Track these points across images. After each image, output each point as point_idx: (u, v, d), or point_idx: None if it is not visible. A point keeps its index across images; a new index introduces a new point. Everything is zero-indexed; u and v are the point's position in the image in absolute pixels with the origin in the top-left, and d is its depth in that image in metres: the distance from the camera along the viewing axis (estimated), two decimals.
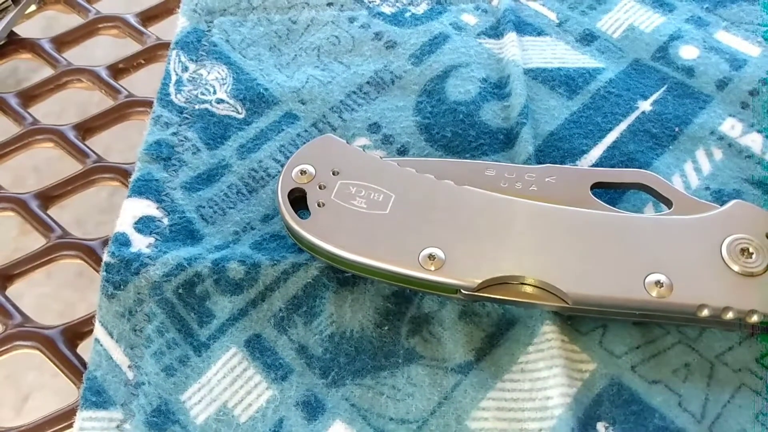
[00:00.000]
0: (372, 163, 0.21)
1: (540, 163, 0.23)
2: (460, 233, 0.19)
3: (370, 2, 0.28)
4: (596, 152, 0.23)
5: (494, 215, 0.20)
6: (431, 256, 0.19)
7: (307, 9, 0.28)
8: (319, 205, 0.20)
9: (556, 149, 0.23)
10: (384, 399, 0.19)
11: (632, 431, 0.18)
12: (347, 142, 0.22)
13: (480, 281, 0.19)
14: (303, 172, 0.21)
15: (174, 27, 0.30)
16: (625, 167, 0.22)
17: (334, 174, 0.21)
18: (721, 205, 0.20)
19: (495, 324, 0.20)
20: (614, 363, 0.19)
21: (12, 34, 0.30)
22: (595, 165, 0.23)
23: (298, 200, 0.21)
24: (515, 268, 0.19)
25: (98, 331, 0.21)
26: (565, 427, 0.18)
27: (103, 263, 0.22)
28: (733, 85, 0.25)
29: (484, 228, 0.19)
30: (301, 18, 0.28)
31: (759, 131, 0.23)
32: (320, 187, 0.21)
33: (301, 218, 0.20)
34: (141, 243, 0.22)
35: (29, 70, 0.33)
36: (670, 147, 0.23)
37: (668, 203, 0.20)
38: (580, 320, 0.20)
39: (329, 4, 0.28)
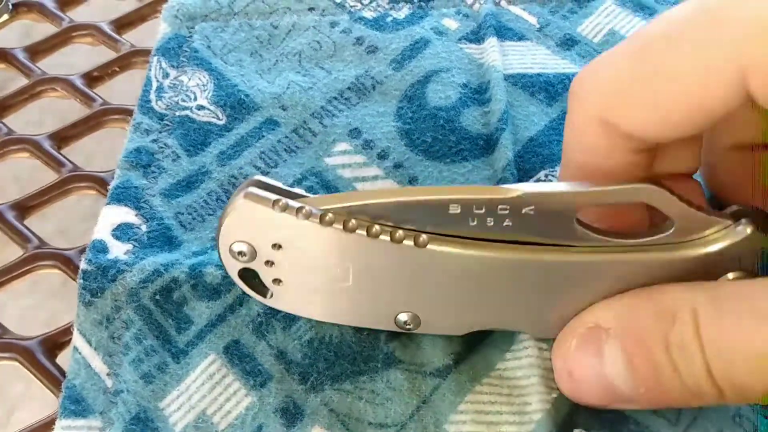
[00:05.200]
0: (312, 231, 0.18)
1: (519, 169, 0.24)
2: (431, 296, 0.19)
3: (351, 7, 0.29)
4: None
5: (463, 274, 0.18)
6: (406, 323, 0.20)
7: (288, 14, 0.29)
8: (276, 282, 0.20)
9: (536, 155, 0.24)
10: (363, 404, 0.20)
11: None
12: (277, 189, 0.19)
13: (460, 335, 0.20)
14: (241, 254, 0.19)
15: (148, 34, 0.31)
16: None
17: (276, 248, 0.19)
18: (730, 217, 0.17)
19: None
20: None
21: None
22: None
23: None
24: (495, 322, 0.20)
25: (76, 339, 0.21)
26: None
27: (80, 271, 0.22)
28: None
29: (455, 288, 0.19)
30: (282, 23, 0.29)
31: None
32: (268, 264, 0.19)
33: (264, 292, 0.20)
34: (118, 250, 0.23)
35: (5, 79, 0.33)
36: None
37: (669, 222, 0.18)
38: None
39: (311, 9, 0.29)
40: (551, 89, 0.26)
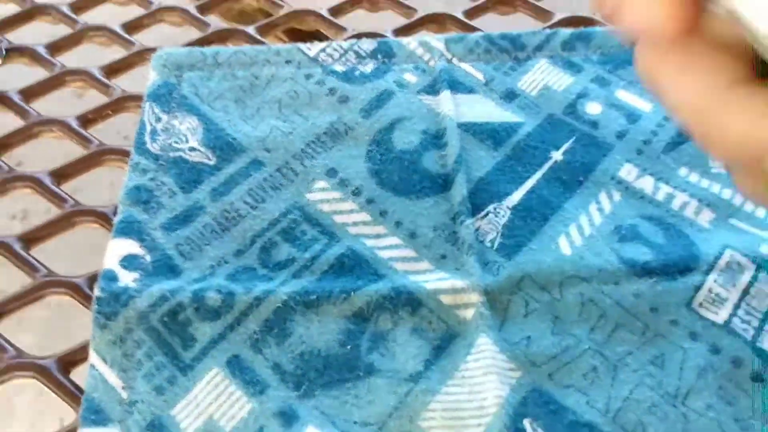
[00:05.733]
0: None
1: (473, 203, 0.28)
2: None
3: (323, 61, 0.33)
4: (517, 196, 0.29)
5: None
6: None
7: (267, 66, 0.33)
8: None
9: (486, 192, 0.29)
10: (349, 406, 0.24)
11: (551, 426, 0.23)
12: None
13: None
14: None
15: (136, 80, 0.34)
16: (542, 209, 0.28)
17: None
18: None
19: (440, 338, 0.25)
20: (536, 371, 0.25)
21: None
22: (516, 206, 0.28)
23: None
24: None
25: (93, 357, 0.24)
26: (498, 422, 0.23)
27: (94, 297, 0.25)
28: (630, 136, 0.31)
29: None
30: (262, 74, 0.33)
31: (650, 174, 0.30)
32: None
33: None
34: (127, 278, 0.26)
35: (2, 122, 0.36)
36: (578, 191, 0.29)
37: None
38: (509, 331, 0.25)
39: (287, 62, 0.33)
40: (497, 136, 0.31)
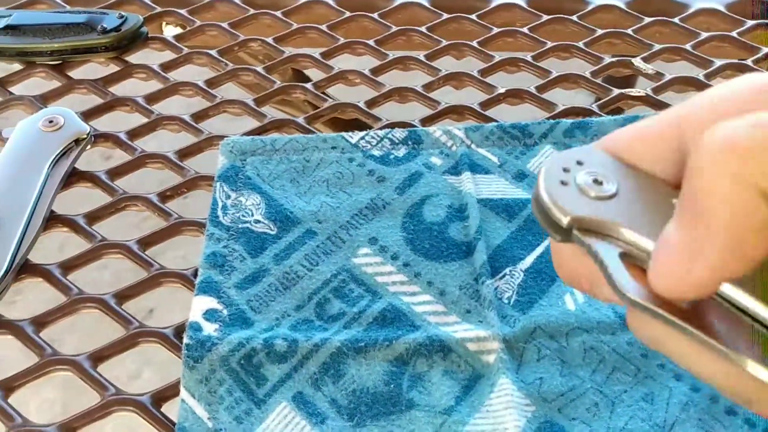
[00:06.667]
0: None
1: (492, 266, 0.34)
2: None
3: (363, 147, 0.40)
4: (529, 260, 0.35)
5: None
6: None
7: (317, 151, 0.39)
8: None
9: (503, 257, 0.35)
10: None
11: None
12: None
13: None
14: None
15: (204, 162, 0.41)
16: (550, 271, 0.34)
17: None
18: None
19: (467, 378, 0.30)
20: (547, 406, 0.30)
21: (74, 169, 0.40)
22: (528, 269, 0.34)
23: None
24: None
25: (183, 393, 0.30)
26: None
27: (184, 344, 0.31)
28: None
29: None
30: (313, 158, 0.39)
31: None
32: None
33: None
34: (209, 328, 0.32)
35: (90, 195, 0.42)
36: None
37: None
38: (524, 373, 0.30)
39: (333, 148, 0.40)
40: (510, 210, 0.37)
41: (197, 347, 0.31)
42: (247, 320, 0.32)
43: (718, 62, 0.45)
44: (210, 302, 0.33)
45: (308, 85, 0.45)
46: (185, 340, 0.31)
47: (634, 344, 0.31)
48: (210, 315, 0.32)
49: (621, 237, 0.19)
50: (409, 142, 0.40)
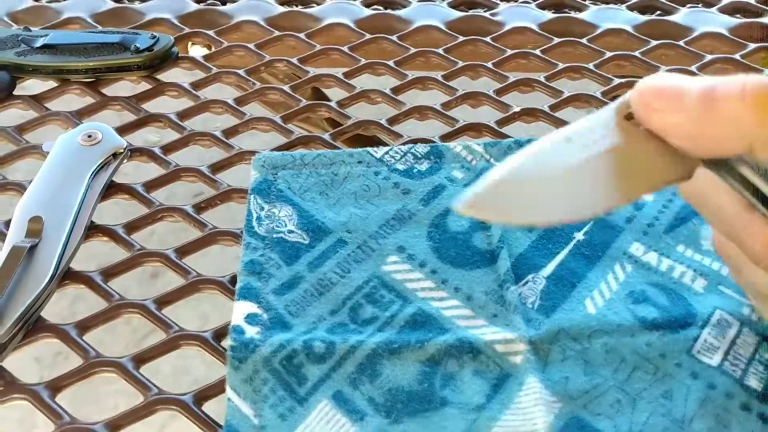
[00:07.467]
0: None
1: (515, 273, 0.36)
2: None
3: (387, 161, 0.42)
4: (550, 268, 0.37)
5: None
6: None
7: (344, 165, 0.42)
8: None
9: (525, 265, 0.37)
10: (429, 430, 0.31)
11: None
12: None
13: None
14: None
15: (235, 175, 0.43)
16: (570, 278, 0.36)
17: None
18: None
19: (496, 378, 0.32)
20: (573, 403, 0.32)
21: (112, 182, 0.42)
22: (549, 276, 0.36)
23: None
24: None
25: (229, 392, 0.31)
26: None
27: (228, 346, 0.33)
28: (637, 220, 0.39)
29: None
30: (340, 172, 0.41)
31: (655, 250, 0.38)
32: None
33: None
34: (252, 331, 0.33)
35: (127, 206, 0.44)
36: (598, 264, 0.37)
37: None
38: (550, 372, 0.32)
39: (359, 162, 0.42)
40: None
41: (241, 349, 0.32)
42: (286, 324, 0.34)
43: None
44: (250, 307, 0.34)
45: (332, 104, 0.47)
46: (230, 342, 0.33)
47: (652, 345, 0.33)
48: (251, 319, 0.34)
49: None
50: (431, 157, 0.42)
